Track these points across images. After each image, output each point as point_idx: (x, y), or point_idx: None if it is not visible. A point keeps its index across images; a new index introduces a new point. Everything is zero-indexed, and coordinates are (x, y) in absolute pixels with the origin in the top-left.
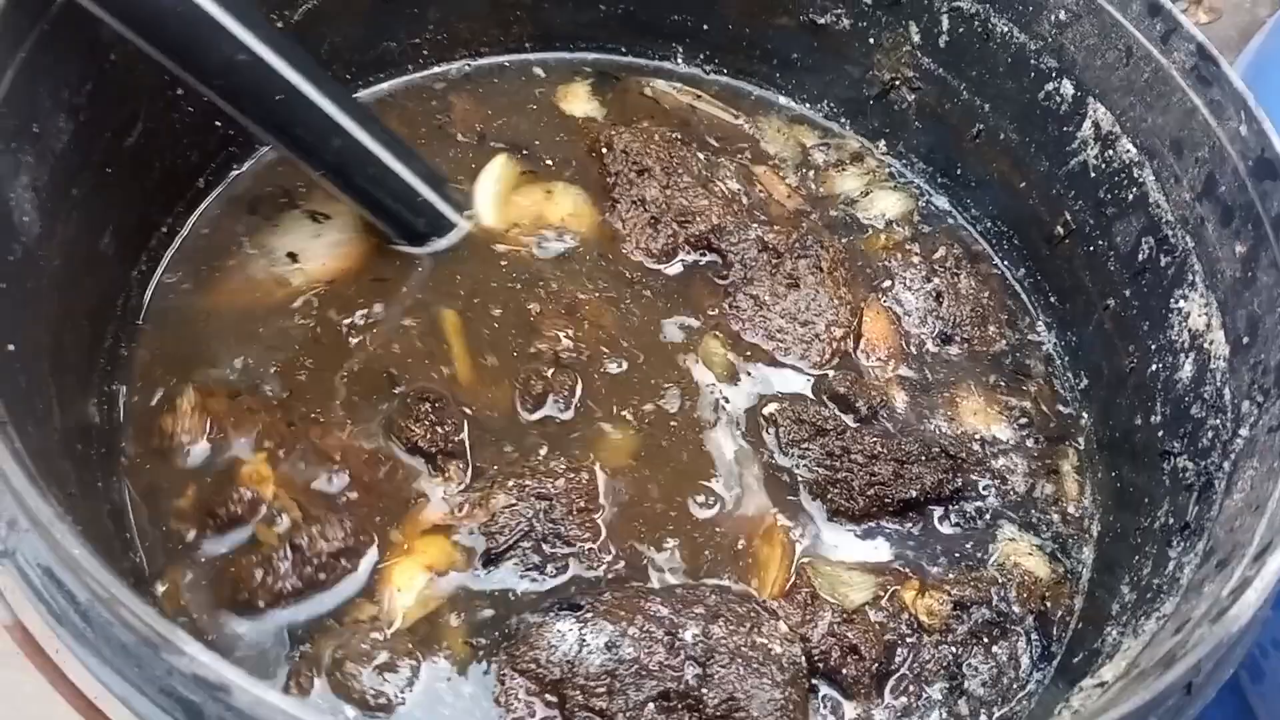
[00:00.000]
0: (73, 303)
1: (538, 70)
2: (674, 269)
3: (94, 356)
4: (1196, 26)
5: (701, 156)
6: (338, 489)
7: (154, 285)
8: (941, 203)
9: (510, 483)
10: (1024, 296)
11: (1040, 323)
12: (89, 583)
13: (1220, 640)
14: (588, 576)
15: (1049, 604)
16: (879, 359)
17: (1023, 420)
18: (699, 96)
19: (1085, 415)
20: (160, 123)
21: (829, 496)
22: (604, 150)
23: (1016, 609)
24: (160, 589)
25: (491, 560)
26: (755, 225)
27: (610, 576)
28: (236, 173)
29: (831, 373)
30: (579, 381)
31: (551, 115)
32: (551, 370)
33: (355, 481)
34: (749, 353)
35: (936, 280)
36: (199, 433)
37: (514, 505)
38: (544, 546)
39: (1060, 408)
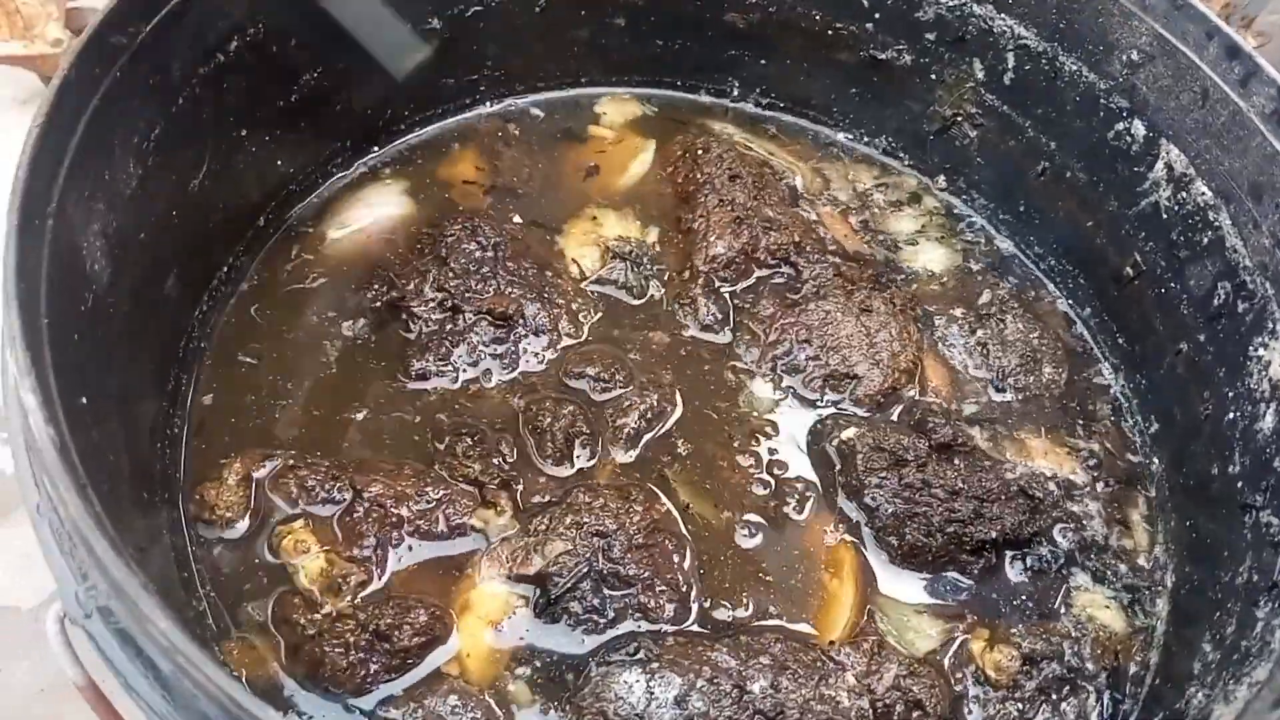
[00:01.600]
0: (138, 348)
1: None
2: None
3: (158, 401)
4: None
5: (784, 186)
6: (399, 546)
7: (216, 326)
8: (1006, 244)
9: (568, 519)
10: (1088, 336)
11: (1106, 365)
12: (176, 658)
13: None
14: (650, 617)
15: (1122, 659)
16: (941, 400)
17: (1092, 463)
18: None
19: (1156, 460)
20: (225, 164)
21: (905, 532)
22: (700, 152)
23: (1090, 665)
24: (230, 644)
25: (551, 604)
26: (832, 255)
27: (672, 614)
28: (297, 210)
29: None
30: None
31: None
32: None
33: (414, 532)
34: (807, 372)
35: (981, 331)
36: (241, 508)
37: (571, 548)
38: (603, 588)
39: (1129, 454)
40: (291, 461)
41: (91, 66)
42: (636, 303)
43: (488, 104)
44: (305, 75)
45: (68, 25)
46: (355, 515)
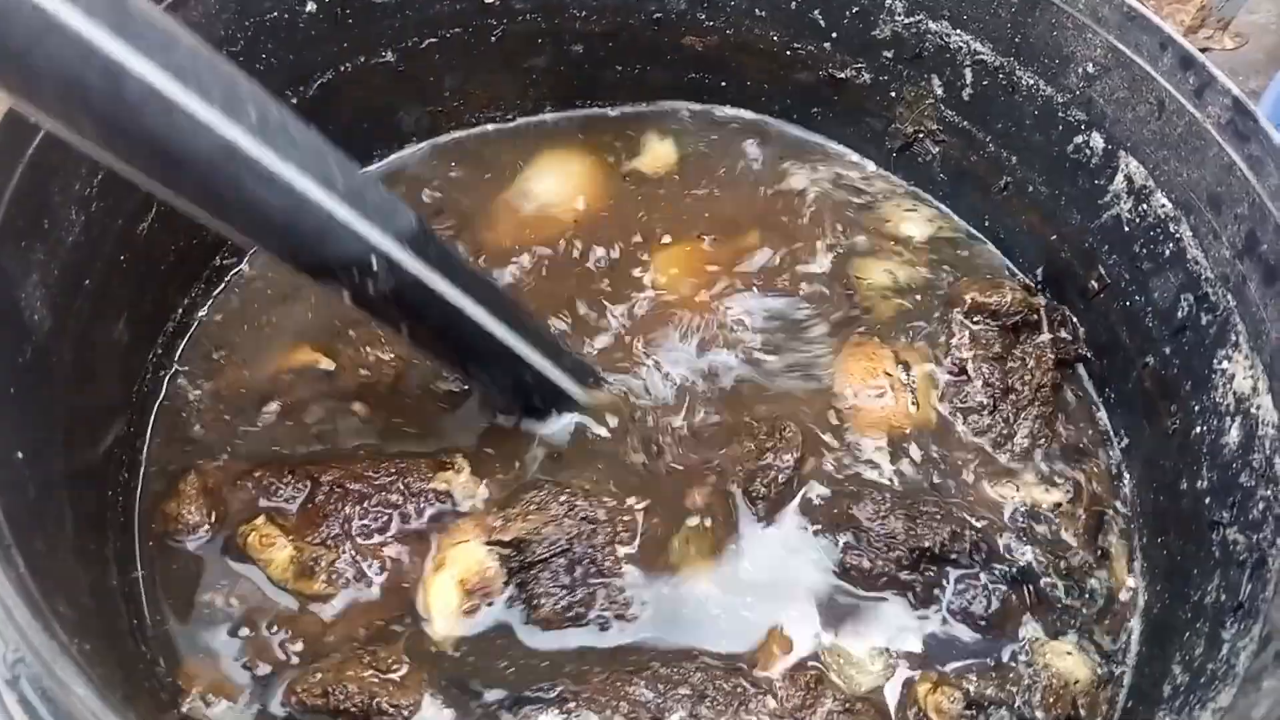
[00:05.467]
0: (86, 396)
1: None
2: None
3: (108, 448)
4: (1223, 53)
5: None
6: (364, 519)
7: (170, 369)
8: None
9: (563, 498)
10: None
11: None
12: None
13: None
14: (615, 610)
15: (1083, 709)
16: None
17: (1069, 495)
18: None
19: (1127, 476)
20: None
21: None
22: None
23: (1040, 714)
24: (185, 702)
25: (525, 568)
26: None
27: (637, 614)
28: (254, 250)
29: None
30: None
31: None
32: None
33: (378, 504)
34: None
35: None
36: (203, 514)
37: (560, 519)
38: (576, 568)
39: (1110, 487)
40: (247, 466)
41: (25, 116)
42: None
43: (453, 132)
44: None
45: None
46: (316, 501)
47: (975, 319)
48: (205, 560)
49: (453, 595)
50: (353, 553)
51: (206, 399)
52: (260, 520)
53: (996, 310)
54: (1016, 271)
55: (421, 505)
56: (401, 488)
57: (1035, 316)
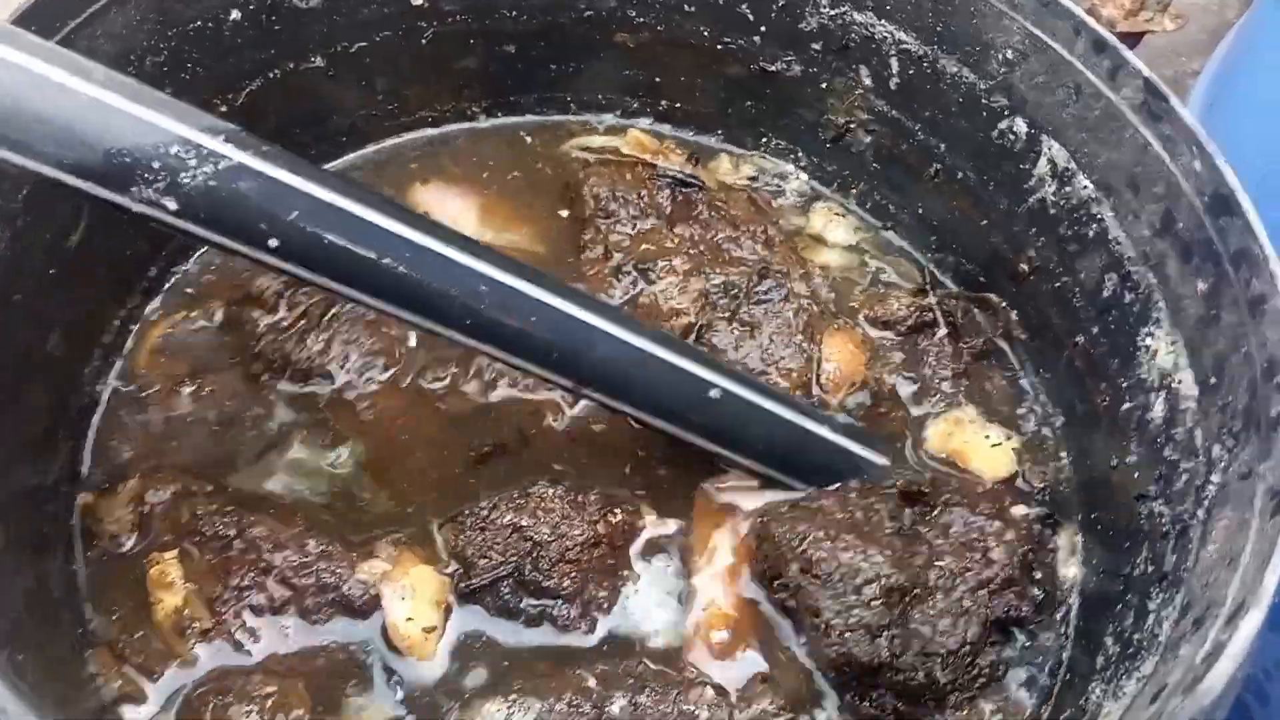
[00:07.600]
0: (20, 412)
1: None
2: None
3: (46, 464)
4: (1164, 34)
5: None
6: (260, 593)
7: (109, 381)
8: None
9: (509, 517)
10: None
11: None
12: None
13: (1194, 716)
14: (559, 627)
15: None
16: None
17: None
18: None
19: (1066, 464)
20: (105, 216)
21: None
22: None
23: None
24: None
25: (472, 592)
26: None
27: (583, 630)
28: (194, 256)
29: None
30: None
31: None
32: None
33: (281, 582)
34: None
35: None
36: (127, 525)
37: (500, 547)
38: (522, 592)
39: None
40: (194, 488)
41: None
42: None
43: (390, 139)
44: None
45: None
46: (230, 554)
47: (876, 331)
48: (130, 571)
49: (435, 616)
50: (235, 627)
51: (146, 414)
52: (170, 555)
53: (889, 321)
54: (930, 272)
55: (323, 597)
56: (313, 574)
57: (930, 315)
